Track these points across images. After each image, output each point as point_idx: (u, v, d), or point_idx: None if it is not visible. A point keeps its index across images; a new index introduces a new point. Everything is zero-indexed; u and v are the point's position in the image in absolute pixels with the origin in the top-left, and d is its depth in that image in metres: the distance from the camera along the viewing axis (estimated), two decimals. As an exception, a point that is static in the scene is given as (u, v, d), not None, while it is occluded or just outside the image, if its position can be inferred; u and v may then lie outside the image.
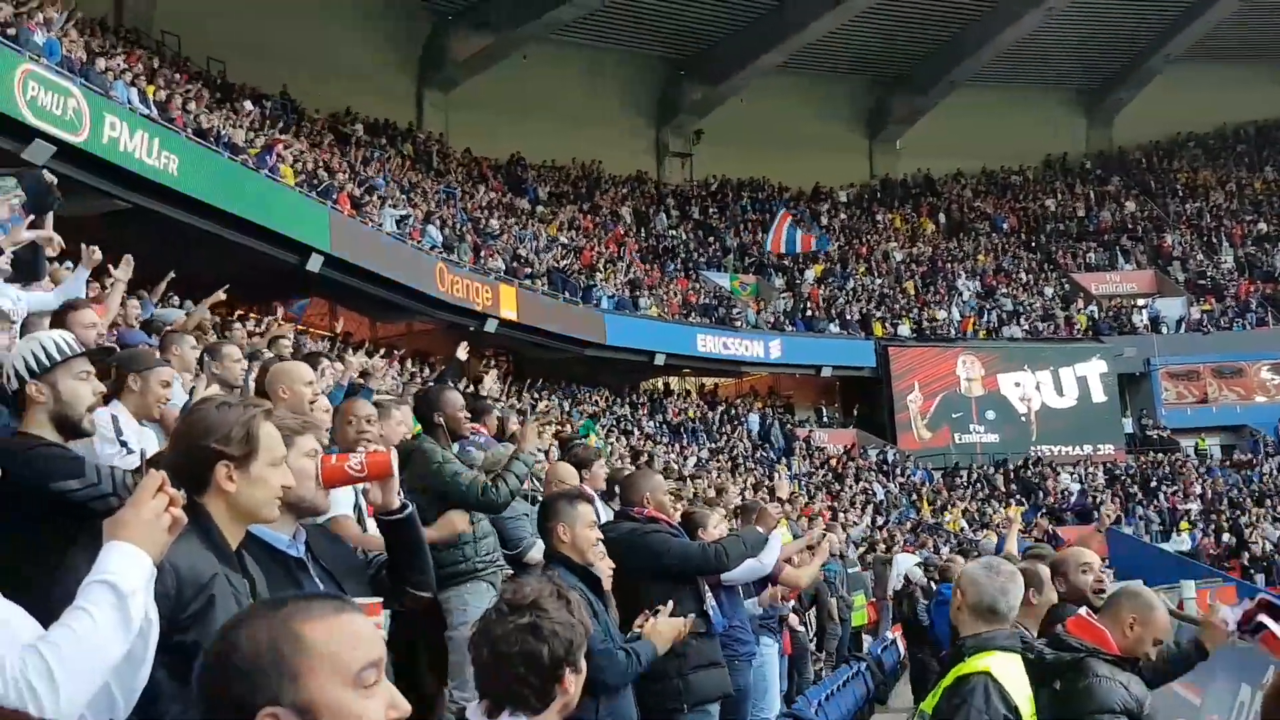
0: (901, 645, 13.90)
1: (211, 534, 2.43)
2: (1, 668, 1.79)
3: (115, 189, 16.63)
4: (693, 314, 31.84)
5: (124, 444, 3.98)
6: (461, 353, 9.29)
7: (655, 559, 4.82)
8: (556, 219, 32.72)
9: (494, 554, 5.19)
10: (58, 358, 3.36)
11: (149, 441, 3.94)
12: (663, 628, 4.06)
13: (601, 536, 4.06)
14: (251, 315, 20.73)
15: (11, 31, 15.59)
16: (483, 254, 26.65)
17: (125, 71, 18.86)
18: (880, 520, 25.70)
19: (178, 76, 22.99)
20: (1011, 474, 32.67)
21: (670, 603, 4.21)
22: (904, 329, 34.62)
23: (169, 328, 9.39)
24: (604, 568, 3.99)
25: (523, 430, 5.46)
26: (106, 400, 3.97)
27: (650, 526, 5.12)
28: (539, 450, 6.54)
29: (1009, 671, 3.28)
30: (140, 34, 25.38)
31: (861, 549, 18.56)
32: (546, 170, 35.46)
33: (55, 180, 7.81)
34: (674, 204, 37.59)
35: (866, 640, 15.20)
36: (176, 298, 17.92)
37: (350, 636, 1.40)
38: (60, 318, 5.33)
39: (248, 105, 23.65)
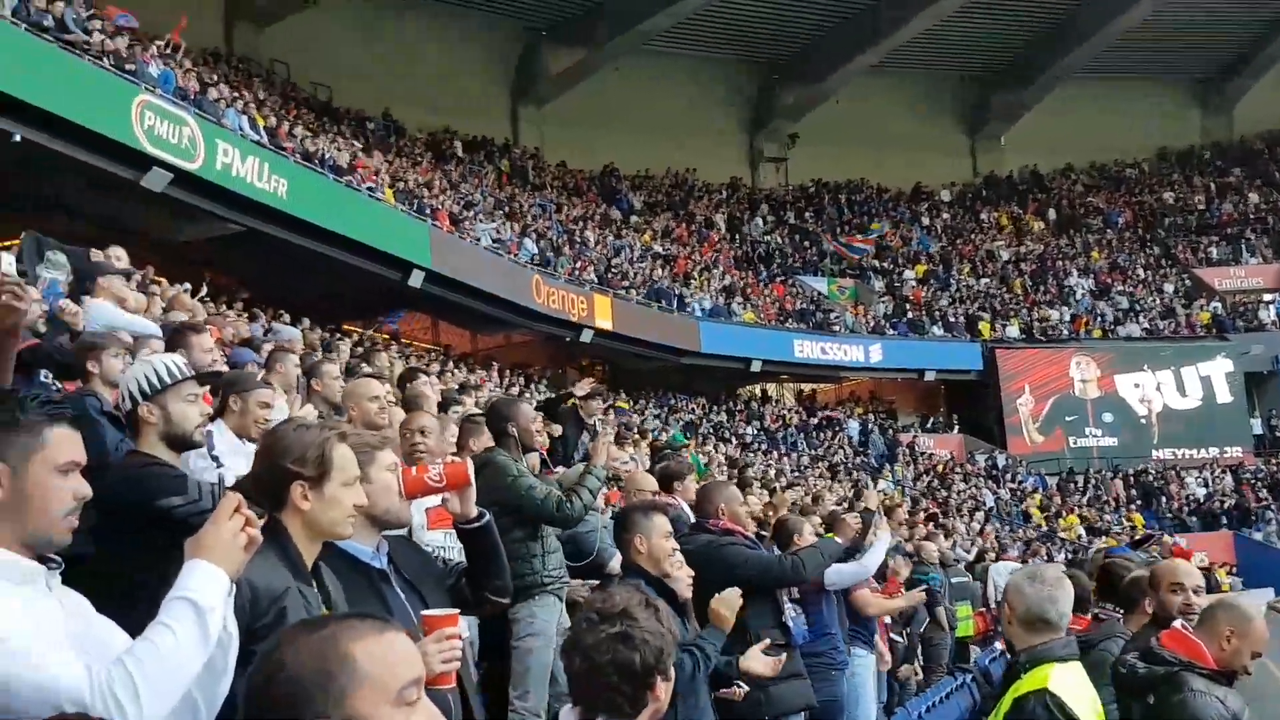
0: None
1: (288, 550, 2.54)
2: (91, 681, 1.88)
3: (228, 213, 17.30)
4: (789, 320, 31.62)
5: (215, 459, 4.16)
6: (582, 389, 9.41)
7: (731, 571, 4.79)
8: (650, 228, 32.85)
9: (562, 569, 5.24)
10: (168, 380, 3.54)
11: (245, 460, 4.11)
12: (753, 665, 4.08)
13: (678, 548, 4.06)
14: (357, 331, 21.34)
15: (130, 66, 16.30)
16: (578, 265, 26.89)
17: (236, 99, 19.62)
18: (990, 528, 25.16)
19: (285, 102, 23.77)
20: (1131, 479, 31.66)
21: (765, 640, 4.22)
22: (1012, 330, 33.83)
23: (277, 345, 9.75)
24: (682, 578, 3.99)
25: (595, 445, 5.52)
26: (211, 419, 4.18)
27: (726, 539, 5.12)
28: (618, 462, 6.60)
29: (1067, 682, 3.21)
30: (250, 62, 26.30)
31: (969, 557, 18.18)
32: (640, 180, 35.62)
33: (101, 258, 8.15)
34: (768, 209, 37.40)
35: (974, 651, 14.87)
36: (287, 315, 18.58)
37: (393, 655, 1.44)
38: (181, 339, 5.56)
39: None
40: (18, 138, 14.04)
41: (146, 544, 3.18)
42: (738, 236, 35.73)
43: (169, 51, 19.00)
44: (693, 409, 28.04)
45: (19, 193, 15.67)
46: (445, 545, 4.34)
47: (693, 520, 5.63)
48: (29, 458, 2.02)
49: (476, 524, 3.06)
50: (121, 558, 3.20)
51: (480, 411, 6.92)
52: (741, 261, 34.34)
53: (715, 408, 29.00)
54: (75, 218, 15.37)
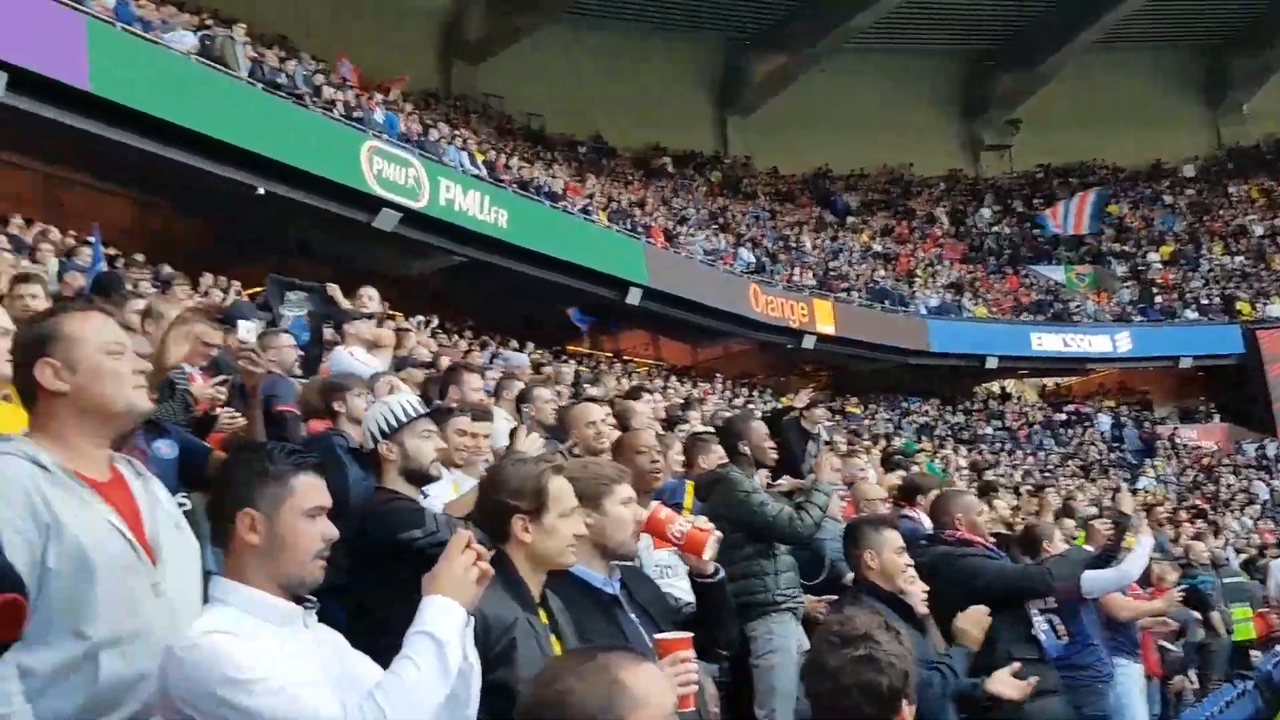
0: (1298, 661, 12.33)
1: (514, 581, 2.65)
2: (346, 716, 2.00)
3: (453, 245, 18.11)
4: (1024, 312, 30.14)
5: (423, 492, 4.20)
6: (802, 400, 9.27)
7: (969, 583, 4.52)
8: (868, 228, 32.11)
9: (795, 587, 5.13)
10: (403, 419, 3.74)
11: (445, 488, 4.16)
12: (1001, 689, 3.81)
13: (911, 562, 3.93)
14: (580, 352, 21.78)
15: (358, 114, 17.28)
16: (795, 271, 26.57)
17: (455, 137, 20.49)
18: (1265, 523, 23.09)
19: (501, 135, 24.65)
20: None
21: (1015, 664, 3.94)
22: (1274, 309, 31.06)
23: (505, 372, 9.98)
24: (916, 592, 3.86)
25: (819, 460, 5.44)
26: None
27: (963, 549, 4.84)
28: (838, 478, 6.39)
29: None
30: (466, 99, 27.43)
31: (1245, 555, 16.72)
32: (854, 180, 34.91)
33: (337, 292, 8.48)
34: (993, 199, 35.86)
35: (1255, 656, 13.62)
36: (515, 341, 19.20)
37: (660, 683, 1.58)
38: (455, 377, 5.86)
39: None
40: (261, 191, 15.06)
41: (391, 577, 3.29)
42: (962, 229, 34.43)
43: (393, 98, 20.06)
44: (926, 410, 27.15)
45: (264, 240, 16.82)
46: (669, 565, 4.30)
47: (929, 533, 5.38)
48: (279, 505, 2.12)
49: (711, 579, 3.13)
50: (370, 591, 3.38)
51: (706, 428, 6.85)
52: (968, 255, 33.05)
53: (950, 408, 27.96)
54: (315, 260, 16.32)
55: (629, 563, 3.14)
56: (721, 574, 3.11)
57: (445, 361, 10.05)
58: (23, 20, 12.25)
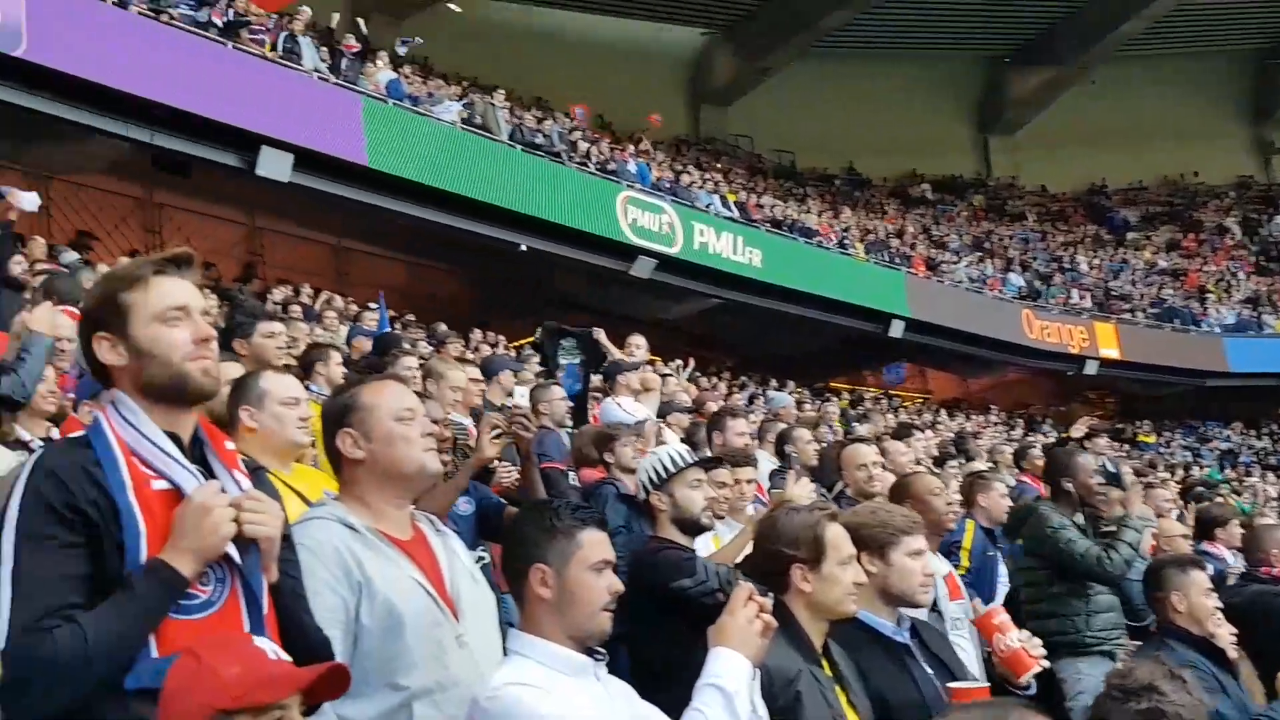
0: None
1: (796, 632, 2.65)
2: None
3: (709, 288, 18.34)
4: (1340, 324, 27.09)
5: None
6: (1078, 430, 8.69)
7: (1286, 625, 4.18)
8: (1151, 243, 29.91)
9: (1114, 629, 4.91)
10: (672, 469, 3.79)
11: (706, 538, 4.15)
12: None
13: (1219, 604, 3.74)
14: (844, 388, 21.31)
15: (611, 166, 17.76)
16: (1072, 294, 25.08)
17: (706, 181, 20.71)
18: None
19: (752, 175, 24.71)
20: None
21: None
22: None
23: (769, 414, 9.84)
24: (1225, 635, 3.66)
25: (1129, 494, 5.21)
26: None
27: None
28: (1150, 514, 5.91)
29: None
30: (716, 141, 27.71)
31: None
32: (1132, 194, 32.68)
33: (602, 336, 8.58)
34: (1294, 203, 32.63)
35: None
36: (774, 380, 19.04)
37: None
38: (719, 423, 5.81)
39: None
40: (523, 247, 15.69)
41: (669, 625, 3.44)
42: (1256, 239, 31.48)
43: (644, 147, 20.51)
44: (1228, 436, 24.86)
45: (528, 294, 17.50)
46: (958, 617, 4.20)
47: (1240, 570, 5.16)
48: (568, 560, 2.20)
49: (1023, 691, 3.07)
50: (650, 640, 3.50)
51: (984, 467, 6.54)
52: (1265, 266, 30.14)
53: (1255, 432, 25.47)
54: (576, 310, 16.81)
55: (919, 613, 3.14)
56: (1033, 690, 3.03)
57: (712, 407, 10.03)
58: (306, 105, 13.31)
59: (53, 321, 4.67)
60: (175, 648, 1.72)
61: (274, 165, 12.75)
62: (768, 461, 6.11)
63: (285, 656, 1.73)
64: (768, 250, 18.86)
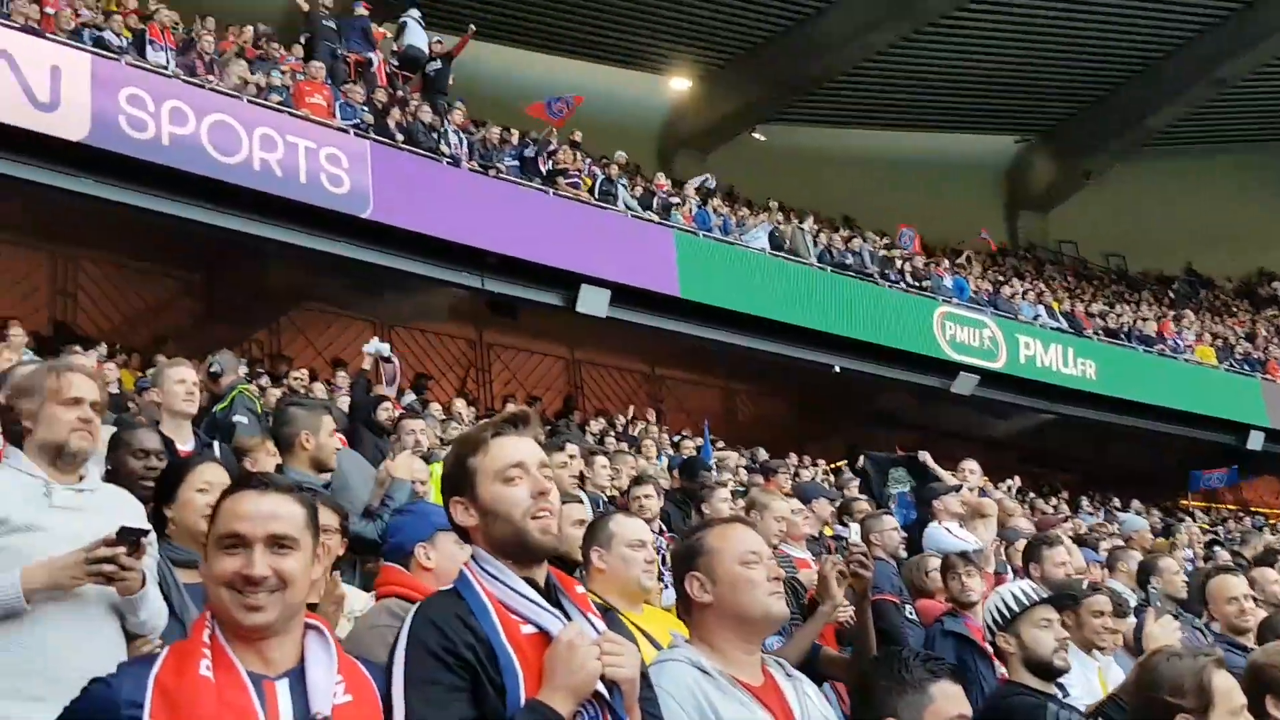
0: None
1: None
2: None
3: (1038, 403, 17.53)
4: None
5: None
6: None
7: None
8: None
9: None
10: (1015, 609, 3.60)
11: (1085, 675, 4.01)
12: None
13: None
14: (1198, 505, 19.28)
15: (925, 282, 17.33)
16: None
17: (1029, 291, 19.83)
18: None
19: (1079, 281, 23.45)
20: None
21: None
22: None
23: (1123, 539, 8.99)
24: None
25: None
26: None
27: None
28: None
29: None
30: (1037, 249, 26.55)
31: None
32: None
33: (928, 458, 8.19)
34: None
35: None
36: (1116, 498, 17.56)
37: None
38: (1034, 554, 5.47)
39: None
40: (837, 368, 15.45)
41: None
42: None
43: (961, 261, 19.95)
44: None
45: (844, 414, 17.19)
46: None
47: None
48: (920, 714, 2.15)
49: None
50: None
51: None
52: None
53: None
54: (896, 427, 16.32)
55: None
56: None
57: (1057, 532, 9.31)
58: (621, 242, 13.89)
59: (411, 467, 4.94)
60: None
61: (593, 302, 13.30)
62: (1129, 594, 5.62)
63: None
64: (1102, 360, 17.95)
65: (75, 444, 2.67)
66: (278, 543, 1.85)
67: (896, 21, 20.67)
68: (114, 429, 3.89)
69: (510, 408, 13.11)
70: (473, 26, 15.28)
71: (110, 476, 3.57)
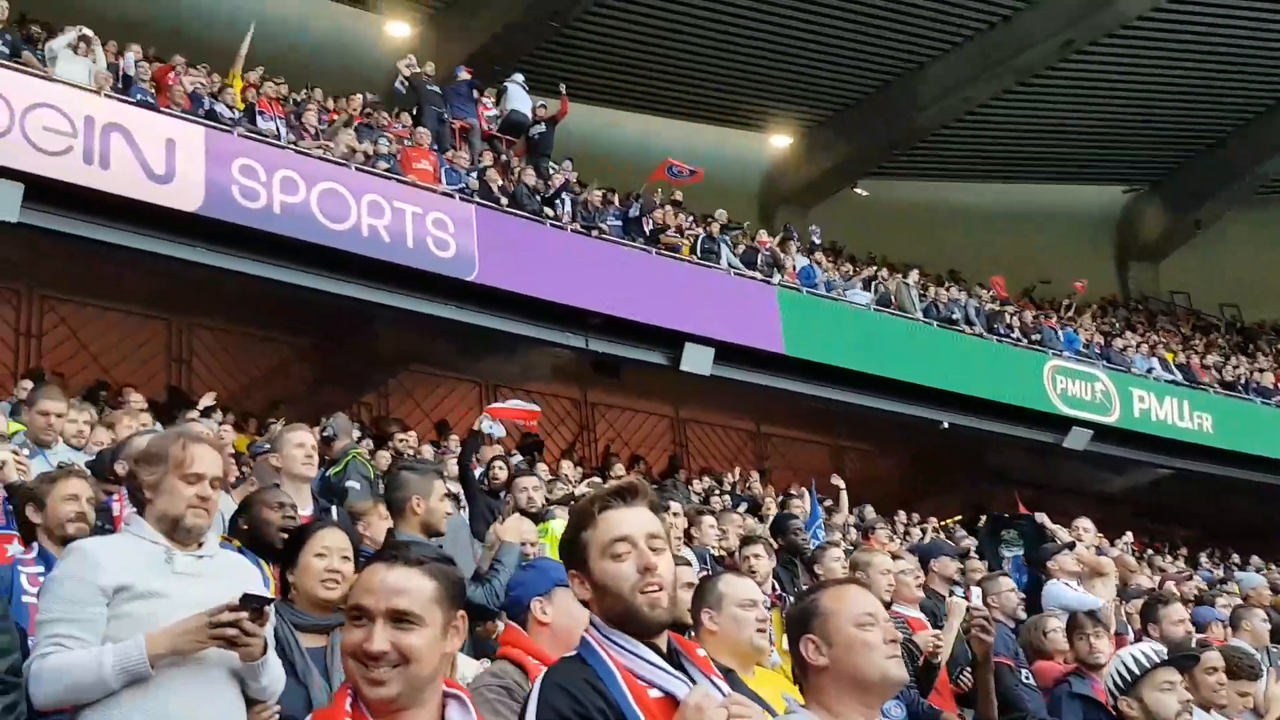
0: None
1: None
2: None
3: (1154, 457, 17.02)
4: None
5: None
6: None
7: None
8: None
9: None
10: (1137, 671, 3.54)
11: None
12: None
13: None
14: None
15: (1035, 335, 16.98)
16: None
17: (1142, 343, 19.32)
18: None
19: (1194, 333, 22.75)
20: None
21: None
22: None
23: (1243, 598, 8.64)
24: None
25: None
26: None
27: None
28: None
29: None
30: (1149, 300, 25.81)
31: None
32: None
33: (1046, 520, 8.06)
34: None
35: None
36: (1236, 554, 16.78)
37: None
38: (1151, 613, 5.40)
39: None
40: (945, 425, 15.16)
41: None
42: None
43: (1069, 314, 19.52)
44: None
45: (956, 471, 16.90)
46: None
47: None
48: None
49: None
50: None
51: None
52: None
53: None
54: (1010, 483, 15.93)
55: None
56: None
57: (1171, 587, 9.01)
58: (724, 300, 13.88)
59: (520, 529, 4.97)
60: None
61: (697, 360, 13.31)
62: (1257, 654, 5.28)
63: None
64: (1219, 413, 17.42)
65: (190, 520, 2.69)
66: (400, 618, 1.84)
67: (997, 75, 20.50)
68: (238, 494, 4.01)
69: (616, 469, 13.18)
70: (563, 87, 15.50)
71: (246, 536, 3.69)
